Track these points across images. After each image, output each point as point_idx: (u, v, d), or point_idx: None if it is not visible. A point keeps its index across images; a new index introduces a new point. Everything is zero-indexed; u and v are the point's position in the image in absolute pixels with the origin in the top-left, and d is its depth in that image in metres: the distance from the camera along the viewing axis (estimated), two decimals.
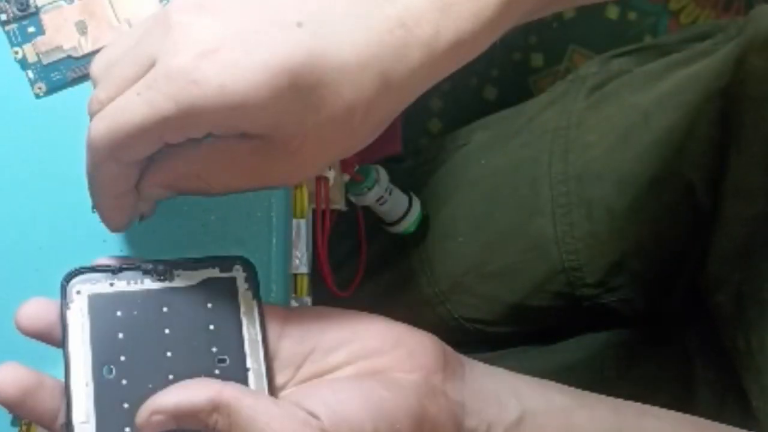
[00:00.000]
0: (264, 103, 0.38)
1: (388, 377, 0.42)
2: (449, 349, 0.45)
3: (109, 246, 0.50)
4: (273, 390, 0.42)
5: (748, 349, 0.57)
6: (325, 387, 0.41)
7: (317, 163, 0.41)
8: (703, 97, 0.63)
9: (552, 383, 0.46)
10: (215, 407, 0.38)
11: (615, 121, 0.67)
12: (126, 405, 0.39)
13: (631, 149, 0.66)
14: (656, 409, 0.46)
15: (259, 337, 0.42)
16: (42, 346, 0.42)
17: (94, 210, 0.44)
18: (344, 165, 0.61)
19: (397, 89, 0.40)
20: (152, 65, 0.39)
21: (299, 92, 0.38)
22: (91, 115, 0.40)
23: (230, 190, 0.43)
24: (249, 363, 0.41)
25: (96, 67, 0.42)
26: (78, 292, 0.41)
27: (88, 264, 0.42)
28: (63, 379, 0.40)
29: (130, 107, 0.39)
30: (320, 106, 0.39)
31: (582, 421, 0.44)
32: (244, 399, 0.39)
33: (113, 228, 0.44)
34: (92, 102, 0.40)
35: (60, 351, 0.41)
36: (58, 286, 0.41)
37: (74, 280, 0.41)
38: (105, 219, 0.43)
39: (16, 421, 0.51)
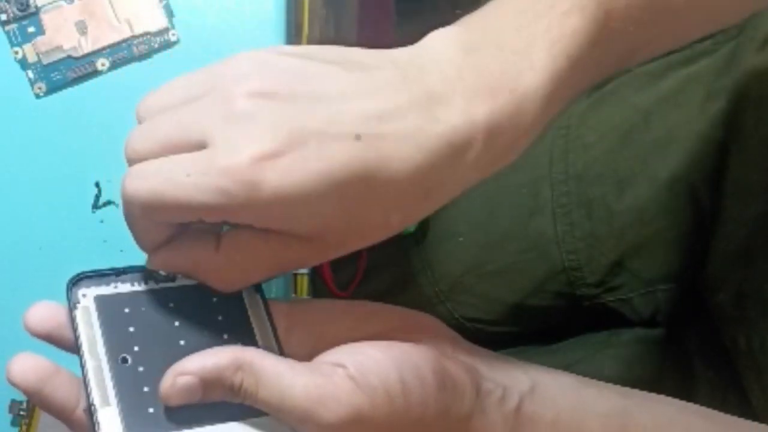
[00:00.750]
0: (314, 210, 0.39)
1: (405, 341, 0.42)
2: (453, 331, 0.45)
3: (109, 246, 0.50)
4: None
5: (748, 348, 0.57)
6: (346, 345, 0.41)
7: (339, 252, 0.42)
8: (704, 96, 0.63)
9: (558, 370, 0.46)
10: (239, 366, 0.38)
11: (615, 120, 0.67)
12: (146, 388, 0.39)
13: (632, 149, 0.66)
14: (662, 396, 0.46)
15: (268, 324, 0.42)
16: (44, 345, 0.42)
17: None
18: None
19: (434, 203, 0.41)
20: (202, 143, 0.39)
21: (347, 199, 0.39)
22: (126, 154, 0.40)
23: (243, 283, 0.42)
24: (261, 346, 0.42)
25: (143, 106, 0.42)
26: (84, 295, 0.41)
27: (88, 269, 0.42)
28: (79, 373, 0.40)
29: (178, 184, 0.38)
30: (362, 214, 0.40)
31: (592, 397, 0.44)
32: (267, 358, 0.39)
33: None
34: (128, 148, 0.40)
35: (67, 354, 0.41)
36: (59, 286, 0.41)
37: (78, 284, 0.41)
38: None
39: (16, 421, 0.51)
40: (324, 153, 0.38)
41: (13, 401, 0.51)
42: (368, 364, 0.39)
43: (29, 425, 0.50)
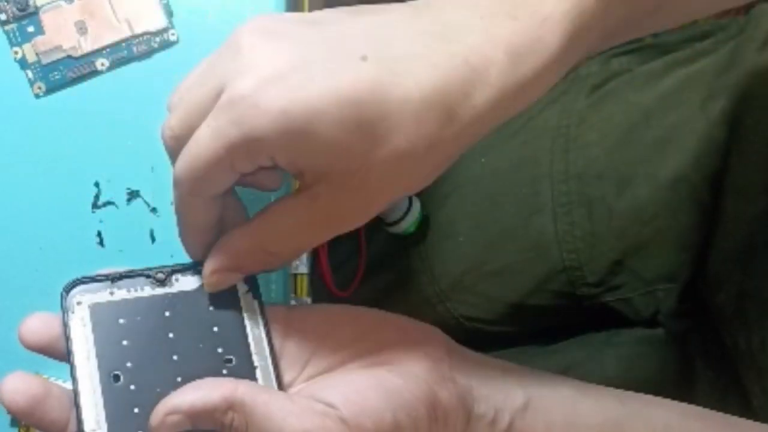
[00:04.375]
0: (327, 131, 0.38)
1: (398, 367, 0.42)
2: (452, 340, 0.45)
3: (109, 246, 0.50)
4: (282, 387, 0.42)
5: (748, 348, 0.57)
6: (339, 378, 0.41)
7: (382, 200, 0.41)
8: (704, 96, 0.63)
9: (556, 375, 0.46)
10: (230, 405, 0.38)
11: (616, 120, 0.67)
12: (136, 410, 0.39)
13: (632, 148, 0.66)
14: (662, 399, 0.46)
15: (264, 336, 0.42)
16: None
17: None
18: None
19: (461, 127, 0.39)
20: (221, 89, 0.39)
21: (363, 124, 0.38)
22: (164, 140, 0.41)
23: (300, 250, 0.43)
24: (256, 361, 0.41)
25: (173, 96, 0.42)
26: (79, 303, 0.41)
27: (88, 274, 0.42)
28: (70, 388, 0.40)
29: (203, 140, 0.39)
30: (384, 139, 0.38)
31: (587, 409, 0.44)
32: (259, 396, 0.39)
33: (194, 258, 0.44)
34: (164, 128, 0.41)
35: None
36: (58, 286, 0.41)
37: (74, 291, 0.41)
38: (188, 251, 0.44)
39: (15, 422, 0.51)
40: (330, 72, 0.38)
41: None
42: (362, 403, 0.39)
43: (28, 426, 0.50)
